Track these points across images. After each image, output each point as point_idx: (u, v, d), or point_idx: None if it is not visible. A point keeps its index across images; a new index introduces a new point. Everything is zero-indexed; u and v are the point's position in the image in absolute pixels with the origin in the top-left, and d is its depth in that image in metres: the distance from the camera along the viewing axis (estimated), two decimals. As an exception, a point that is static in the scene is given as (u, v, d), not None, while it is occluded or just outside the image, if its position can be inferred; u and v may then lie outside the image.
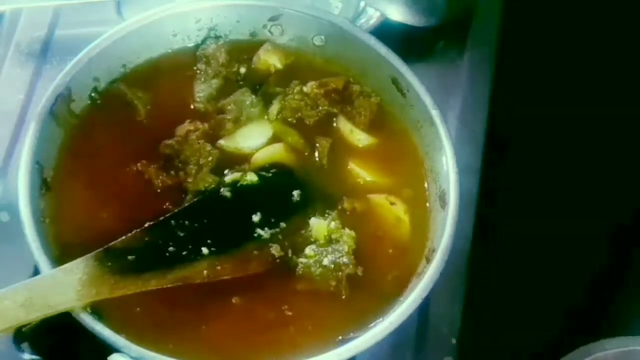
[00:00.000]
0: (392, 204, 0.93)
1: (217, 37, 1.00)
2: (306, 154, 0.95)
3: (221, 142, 0.95)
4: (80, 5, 1.11)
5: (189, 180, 0.92)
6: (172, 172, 0.92)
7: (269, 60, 0.99)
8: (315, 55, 1.00)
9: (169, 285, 0.84)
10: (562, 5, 1.20)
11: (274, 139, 0.96)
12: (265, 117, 0.97)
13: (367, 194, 0.93)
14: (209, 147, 0.93)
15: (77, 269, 0.82)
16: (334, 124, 0.97)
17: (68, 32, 1.13)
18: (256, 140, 0.96)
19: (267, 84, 0.98)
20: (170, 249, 0.86)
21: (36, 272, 0.87)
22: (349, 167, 0.95)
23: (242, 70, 0.99)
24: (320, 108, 0.97)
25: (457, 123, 1.07)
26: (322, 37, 0.99)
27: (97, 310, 0.82)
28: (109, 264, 0.83)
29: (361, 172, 0.95)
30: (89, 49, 0.94)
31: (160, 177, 0.92)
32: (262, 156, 0.94)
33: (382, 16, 1.09)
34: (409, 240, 0.92)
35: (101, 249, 0.83)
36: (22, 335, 0.92)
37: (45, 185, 0.89)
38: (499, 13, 1.16)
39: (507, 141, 1.14)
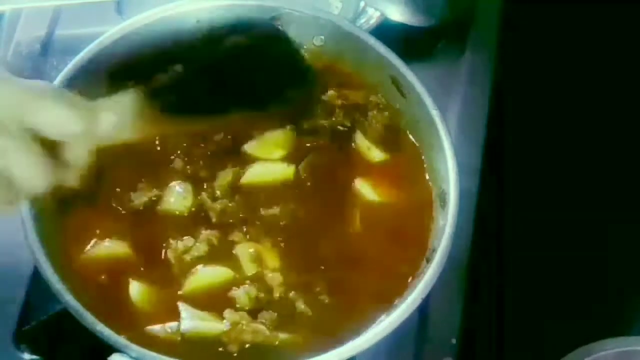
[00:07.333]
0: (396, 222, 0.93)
1: (219, 37, 1.00)
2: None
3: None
4: (80, 5, 1.12)
5: None
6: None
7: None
8: (315, 55, 1.00)
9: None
10: (562, 6, 1.20)
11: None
12: None
13: (367, 194, 0.94)
14: None
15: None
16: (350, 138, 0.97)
17: (68, 32, 1.13)
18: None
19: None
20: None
21: (36, 272, 0.87)
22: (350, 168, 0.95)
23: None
24: (334, 119, 0.97)
25: (457, 123, 1.06)
26: (322, 37, 0.99)
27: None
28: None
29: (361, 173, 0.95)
30: (89, 49, 0.94)
31: None
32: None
33: (382, 16, 1.09)
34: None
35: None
36: (22, 335, 0.92)
37: (45, 185, 0.89)
38: (499, 13, 1.16)
39: (507, 141, 1.14)
